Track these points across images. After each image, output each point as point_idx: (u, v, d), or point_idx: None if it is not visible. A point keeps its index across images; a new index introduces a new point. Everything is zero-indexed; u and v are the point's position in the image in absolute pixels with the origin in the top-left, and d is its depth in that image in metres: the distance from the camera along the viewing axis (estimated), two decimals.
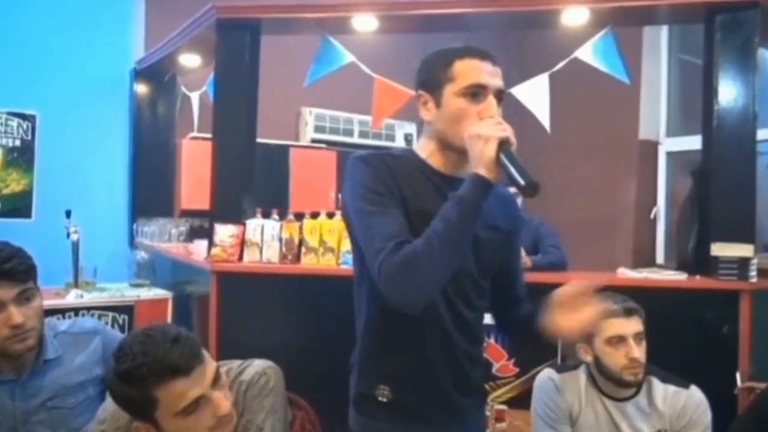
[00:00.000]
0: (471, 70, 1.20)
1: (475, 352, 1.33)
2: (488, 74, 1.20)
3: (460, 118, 1.19)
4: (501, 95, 1.22)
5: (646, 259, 4.30)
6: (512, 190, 1.29)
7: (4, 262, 1.38)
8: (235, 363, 1.31)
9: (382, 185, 1.18)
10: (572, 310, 1.18)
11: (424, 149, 1.28)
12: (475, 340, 1.32)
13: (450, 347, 1.26)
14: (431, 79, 1.23)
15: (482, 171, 1.12)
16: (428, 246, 1.09)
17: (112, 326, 2.93)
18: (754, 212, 2.43)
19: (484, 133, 1.13)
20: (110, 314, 3.01)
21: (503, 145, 1.12)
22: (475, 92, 1.19)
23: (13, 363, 1.43)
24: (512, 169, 1.11)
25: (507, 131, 1.13)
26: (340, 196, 1.30)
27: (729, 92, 2.47)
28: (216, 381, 1.15)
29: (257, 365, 1.32)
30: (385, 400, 1.24)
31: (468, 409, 1.31)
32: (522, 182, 1.09)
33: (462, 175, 1.22)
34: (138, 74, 4.03)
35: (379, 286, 1.12)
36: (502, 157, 1.12)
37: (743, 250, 2.31)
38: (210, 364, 1.16)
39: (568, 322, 1.18)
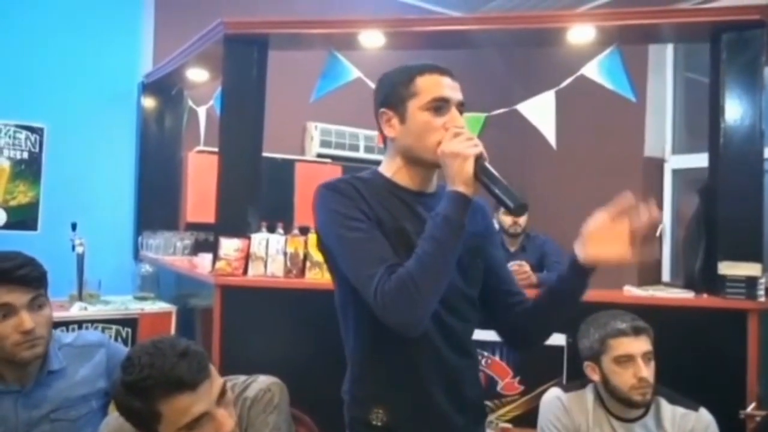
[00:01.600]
0: (433, 85, 1.23)
1: (469, 368, 1.32)
2: (449, 88, 1.24)
3: (426, 131, 1.21)
4: (462, 108, 1.25)
5: (651, 277, 4.27)
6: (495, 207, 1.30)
7: (19, 268, 1.39)
8: (240, 378, 1.31)
9: (357, 210, 1.19)
10: (607, 239, 1.20)
11: (389, 168, 1.30)
12: (467, 354, 1.31)
13: (442, 364, 1.25)
14: (393, 95, 1.25)
15: (462, 188, 1.14)
16: (421, 267, 1.10)
17: (116, 339, 2.92)
18: (761, 231, 2.41)
19: (460, 150, 1.14)
20: (114, 327, 3.00)
21: (479, 161, 1.14)
22: (439, 105, 1.22)
23: (18, 372, 1.44)
24: (497, 191, 1.13)
25: (479, 146, 1.16)
26: (313, 227, 1.30)
27: (736, 111, 2.46)
28: (221, 397, 1.15)
29: (262, 381, 1.31)
30: (380, 423, 1.24)
31: (465, 427, 1.30)
32: (510, 205, 1.11)
33: (428, 190, 1.26)
34: (145, 88, 4.05)
35: (377, 312, 1.12)
36: (483, 178, 1.14)
37: (751, 269, 2.29)
38: (216, 380, 1.15)
39: (607, 252, 1.20)
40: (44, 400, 1.45)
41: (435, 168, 1.26)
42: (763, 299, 2.29)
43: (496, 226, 3.45)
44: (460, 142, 1.15)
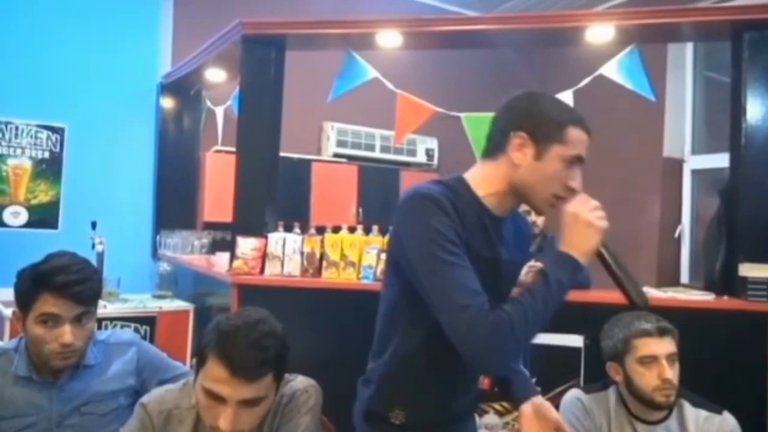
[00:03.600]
0: (580, 141, 1.22)
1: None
2: (587, 149, 1.24)
3: (553, 179, 1.20)
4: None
5: (670, 279, 4.23)
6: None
7: (76, 284, 1.41)
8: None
9: (454, 232, 1.16)
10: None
11: (485, 186, 1.25)
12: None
13: (472, 376, 1.32)
14: (541, 130, 1.20)
15: (583, 258, 1.15)
16: (524, 320, 1.10)
17: None
18: None
19: (594, 222, 1.16)
20: (132, 325, 3.04)
21: (603, 240, 1.18)
22: (575, 162, 1.21)
23: (53, 369, 1.47)
24: (625, 282, 1.16)
25: (605, 222, 1.18)
26: (393, 229, 1.24)
27: (758, 110, 2.43)
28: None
29: (301, 381, 1.34)
30: (397, 422, 1.26)
31: (470, 421, 1.41)
32: (637, 301, 1.16)
33: (505, 215, 1.26)
34: (164, 88, 4.10)
35: (460, 342, 1.11)
36: (612, 263, 1.17)
37: None
38: (266, 381, 1.18)
39: None
40: (77, 393, 1.49)
41: (521, 203, 1.28)
42: None
43: None
44: (594, 213, 1.17)
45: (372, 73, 2.87)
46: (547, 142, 1.19)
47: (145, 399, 1.31)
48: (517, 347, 1.15)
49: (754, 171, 2.42)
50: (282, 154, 2.99)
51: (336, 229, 2.70)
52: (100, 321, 2.91)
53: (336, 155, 4.65)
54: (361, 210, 4.49)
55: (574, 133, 1.20)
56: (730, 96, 2.55)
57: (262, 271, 2.69)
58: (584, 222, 1.15)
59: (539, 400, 1.37)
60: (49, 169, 3.74)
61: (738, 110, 2.46)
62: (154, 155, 4.12)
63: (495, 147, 1.25)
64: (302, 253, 2.68)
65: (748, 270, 2.28)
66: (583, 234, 1.15)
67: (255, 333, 1.15)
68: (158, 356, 1.65)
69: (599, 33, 2.67)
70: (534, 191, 1.22)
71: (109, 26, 3.92)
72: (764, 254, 2.30)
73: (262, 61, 2.89)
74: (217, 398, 1.13)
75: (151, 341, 2.97)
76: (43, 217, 3.71)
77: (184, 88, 4.06)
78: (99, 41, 3.89)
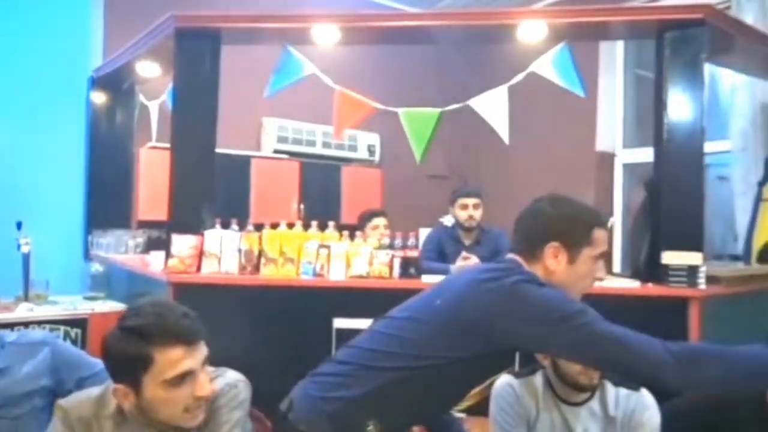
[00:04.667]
0: (604, 240, 1.38)
1: None
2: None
3: (586, 277, 1.38)
4: None
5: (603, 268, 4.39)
6: None
7: None
8: (208, 369, 1.31)
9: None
10: None
11: None
12: None
13: (455, 404, 1.48)
14: (572, 236, 1.35)
15: None
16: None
17: (64, 340, 2.84)
18: (702, 222, 2.51)
19: None
20: (62, 328, 2.92)
21: None
22: (601, 258, 1.37)
23: None
24: None
25: None
26: (506, 321, 1.29)
27: (678, 106, 2.55)
28: (205, 364, 1.23)
29: (230, 377, 1.33)
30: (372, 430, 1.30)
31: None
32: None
33: None
34: (95, 82, 3.95)
35: (670, 377, 1.21)
36: None
37: (692, 258, 2.38)
38: (204, 348, 1.23)
39: None
40: None
41: None
42: (703, 287, 2.39)
43: (451, 219, 3.49)
44: None
45: (309, 68, 2.85)
46: (578, 247, 1.35)
47: (64, 403, 1.27)
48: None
49: (675, 164, 2.55)
50: (220, 150, 2.93)
51: (274, 226, 2.68)
52: (27, 325, 2.80)
53: (276, 151, 4.61)
54: (302, 206, 4.46)
55: (599, 234, 1.37)
56: (653, 93, 2.67)
57: (198, 269, 2.64)
58: None
59: None
60: None
61: (660, 106, 2.58)
62: (85, 152, 3.96)
63: (528, 252, 1.38)
64: (240, 251, 2.64)
65: (670, 258, 2.40)
66: None
67: (172, 307, 1.23)
68: (75, 354, 1.60)
69: (531, 30, 2.74)
70: (568, 289, 1.34)
71: (35, 16, 3.75)
72: (684, 243, 2.42)
73: (196, 56, 2.82)
74: (184, 378, 1.18)
75: (83, 344, 2.88)
76: None
77: (117, 82, 3.93)
78: (25, 32, 3.70)
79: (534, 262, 1.37)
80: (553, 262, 1.34)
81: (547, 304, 1.26)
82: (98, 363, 1.58)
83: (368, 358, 1.34)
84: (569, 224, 1.36)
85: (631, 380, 1.57)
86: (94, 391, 1.30)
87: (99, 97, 3.98)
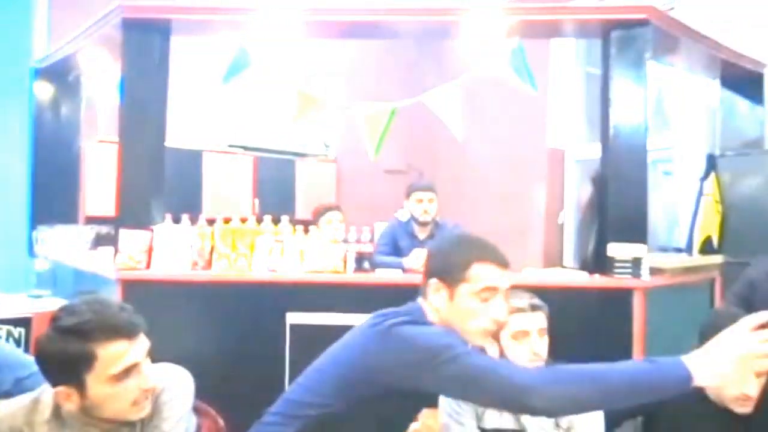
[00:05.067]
0: (487, 275, 1.32)
1: None
2: (502, 277, 1.34)
3: (470, 315, 1.32)
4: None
5: (554, 262, 4.50)
6: None
7: None
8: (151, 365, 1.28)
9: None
10: None
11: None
12: None
13: None
14: (448, 272, 1.33)
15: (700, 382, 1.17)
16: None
17: (7, 340, 2.74)
18: (646, 215, 2.60)
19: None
20: (5, 327, 2.81)
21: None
22: (488, 294, 1.31)
23: None
24: None
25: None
26: (381, 362, 1.29)
27: (623, 104, 2.63)
28: (147, 356, 1.23)
29: (173, 372, 1.33)
30: None
31: None
32: None
33: None
34: (39, 73, 3.80)
35: (535, 402, 1.19)
36: None
37: (636, 250, 2.46)
38: (146, 339, 1.23)
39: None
40: None
41: None
42: (647, 278, 2.47)
43: (407, 213, 3.51)
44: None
45: (261, 62, 2.81)
46: (455, 283, 1.32)
47: None
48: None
49: (620, 159, 2.63)
50: (172, 145, 2.88)
51: (227, 221, 2.64)
52: None
53: (230, 146, 4.54)
54: (257, 201, 4.42)
55: (480, 270, 1.31)
56: (600, 90, 2.75)
57: (149, 266, 2.58)
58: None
59: None
60: None
61: (606, 104, 2.66)
62: (28, 146, 3.81)
63: (423, 288, 1.38)
64: (192, 246, 2.59)
65: (615, 250, 2.48)
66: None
67: (109, 303, 1.23)
68: (11, 354, 1.54)
69: (482, 27, 2.77)
70: (459, 328, 1.32)
71: None
72: (629, 235, 2.50)
73: (144, 47, 2.75)
74: (129, 371, 1.17)
75: (26, 344, 2.78)
76: None
77: (62, 73, 3.79)
78: None
79: (425, 298, 1.38)
80: (436, 297, 1.35)
81: (417, 343, 1.26)
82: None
83: (285, 407, 1.37)
84: (445, 259, 1.36)
85: (505, 409, 1.52)
86: (26, 398, 1.27)
87: (43, 89, 3.83)
